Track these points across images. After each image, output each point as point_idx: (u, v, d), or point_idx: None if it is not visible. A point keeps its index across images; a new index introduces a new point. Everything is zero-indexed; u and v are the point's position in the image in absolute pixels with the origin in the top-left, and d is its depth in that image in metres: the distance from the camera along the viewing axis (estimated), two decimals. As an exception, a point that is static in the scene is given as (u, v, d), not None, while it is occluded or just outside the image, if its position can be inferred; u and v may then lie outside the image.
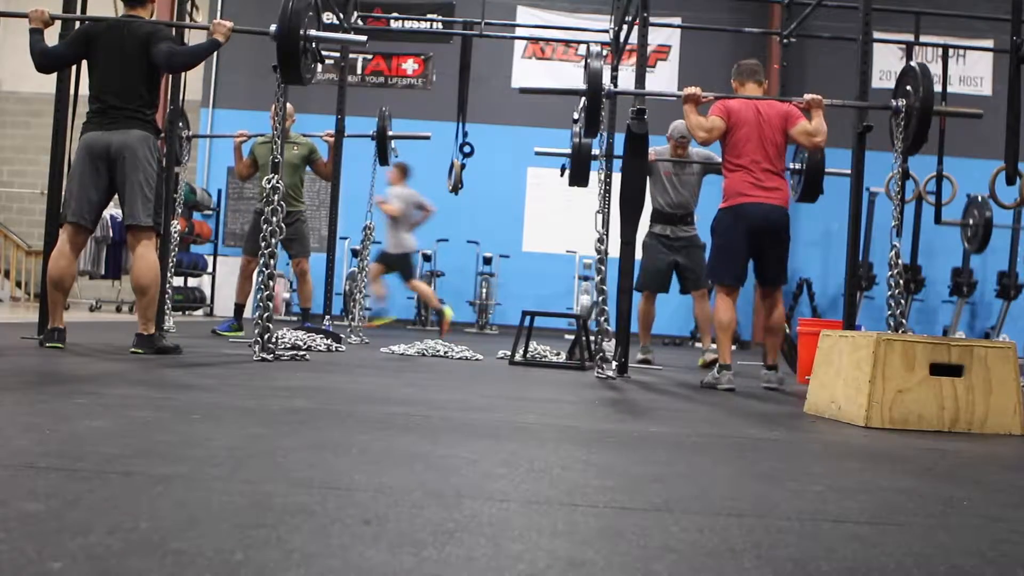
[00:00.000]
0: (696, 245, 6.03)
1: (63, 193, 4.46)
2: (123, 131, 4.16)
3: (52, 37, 4.49)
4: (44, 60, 4.29)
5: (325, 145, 6.84)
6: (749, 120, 4.29)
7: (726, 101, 4.38)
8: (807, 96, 4.34)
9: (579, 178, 6.17)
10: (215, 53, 4.42)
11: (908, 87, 4.35)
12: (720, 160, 4.50)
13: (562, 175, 6.43)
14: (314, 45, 4.35)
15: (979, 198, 7.44)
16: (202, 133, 11.96)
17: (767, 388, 4.38)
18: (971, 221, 7.00)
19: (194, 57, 4.36)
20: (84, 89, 4.81)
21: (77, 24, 4.58)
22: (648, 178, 5.99)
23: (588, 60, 4.55)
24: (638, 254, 5.83)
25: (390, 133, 6.93)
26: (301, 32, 4.18)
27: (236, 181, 12.35)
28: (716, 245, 4.40)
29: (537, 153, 6.67)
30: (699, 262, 5.89)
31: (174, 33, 4.85)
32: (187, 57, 4.35)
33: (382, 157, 6.94)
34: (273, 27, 4.21)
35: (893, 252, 4.27)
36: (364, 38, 5.00)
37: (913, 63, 4.40)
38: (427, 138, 7.17)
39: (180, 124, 6.34)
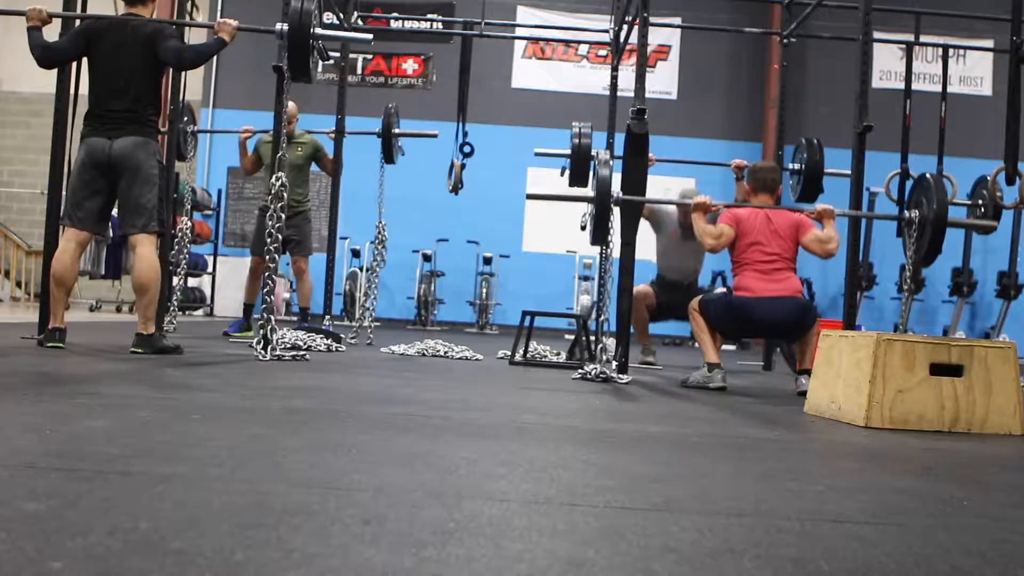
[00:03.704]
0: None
1: (65, 193, 4.45)
2: (124, 137, 4.14)
3: (51, 35, 4.48)
4: (45, 54, 4.27)
5: (331, 142, 6.81)
6: (757, 227, 4.34)
7: (735, 209, 4.47)
8: (818, 206, 4.41)
9: (579, 178, 6.17)
10: (215, 57, 4.43)
11: (922, 198, 4.41)
12: None
13: (562, 175, 6.43)
14: (320, 44, 4.39)
15: (987, 177, 7.27)
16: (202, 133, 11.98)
17: (801, 394, 4.06)
18: (980, 202, 6.86)
19: (202, 56, 4.34)
20: (84, 89, 4.80)
21: (77, 22, 4.57)
22: (656, 235, 5.99)
23: (597, 168, 4.58)
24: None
25: (395, 131, 6.86)
26: (310, 30, 4.22)
27: (236, 181, 12.36)
28: (716, 306, 4.37)
29: (537, 154, 6.67)
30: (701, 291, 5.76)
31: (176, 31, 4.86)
32: (196, 55, 4.33)
33: (387, 155, 6.85)
34: (279, 26, 4.25)
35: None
36: (370, 36, 5.04)
37: (928, 175, 4.49)
38: (435, 136, 7.09)
39: (186, 119, 6.33)
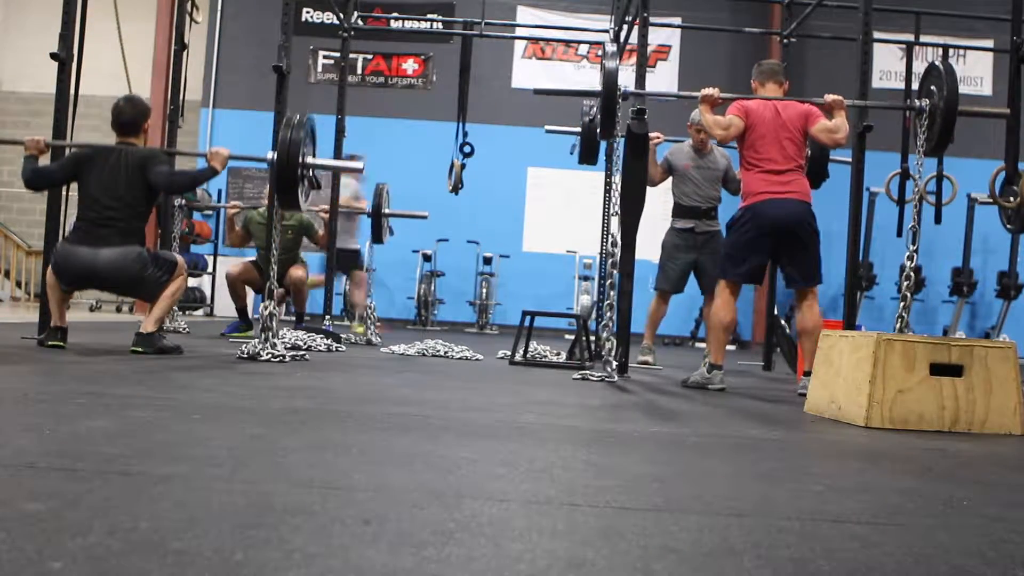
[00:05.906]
0: (719, 242, 5.79)
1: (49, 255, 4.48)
2: (112, 248, 4.17)
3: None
4: (35, 179, 4.41)
5: (321, 220, 6.90)
6: (767, 119, 4.24)
7: (743, 101, 4.35)
8: (828, 97, 4.27)
9: (589, 156, 6.21)
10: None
11: (932, 87, 4.31)
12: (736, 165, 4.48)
13: (572, 153, 6.47)
14: (311, 172, 4.48)
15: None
16: (202, 133, 11.99)
17: (802, 395, 4.00)
18: (1012, 199, 6.52)
19: (193, 182, 4.62)
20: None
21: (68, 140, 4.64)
22: (672, 177, 5.97)
23: (604, 60, 4.53)
24: (648, 254, 5.81)
25: (386, 211, 6.96)
26: (300, 160, 4.28)
27: (236, 181, 12.37)
28: (729, 241, 4.35)
29: (547, 131, 6.72)
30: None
31: (170, 158, 4.95)
32: (188, 181, 4.59)
33: (376, 235, 6.91)
34: (270, 154, 4.34)
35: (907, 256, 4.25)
36: (360, 165, 5.12)
37: (937, 62, 4.34)
38: (425, 217, 7.24)
39: (175, 202, 6.43)
